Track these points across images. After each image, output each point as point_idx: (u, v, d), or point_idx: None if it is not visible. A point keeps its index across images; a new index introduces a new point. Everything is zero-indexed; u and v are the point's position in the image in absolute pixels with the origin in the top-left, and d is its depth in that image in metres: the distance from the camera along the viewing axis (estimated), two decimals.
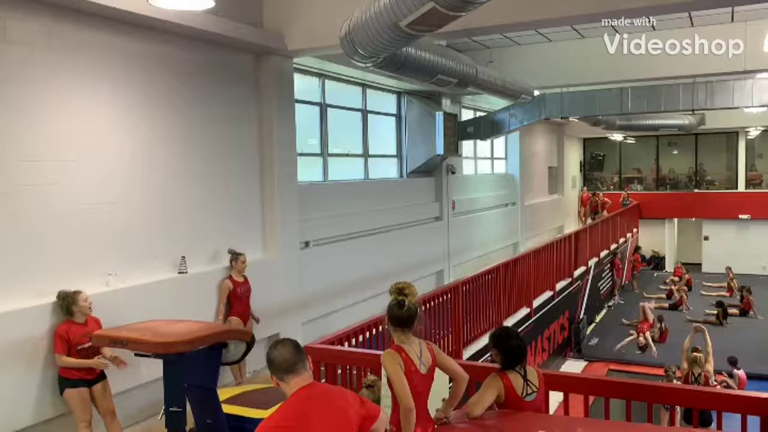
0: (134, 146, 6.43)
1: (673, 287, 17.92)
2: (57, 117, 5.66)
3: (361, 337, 6.31)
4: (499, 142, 16.63)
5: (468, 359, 8.35)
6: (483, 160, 15.87)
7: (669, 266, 22.14)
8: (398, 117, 12.28)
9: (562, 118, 15.45)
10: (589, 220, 20.32)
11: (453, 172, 13.20)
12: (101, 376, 5.47)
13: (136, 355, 5.31)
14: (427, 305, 7.63)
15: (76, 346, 5.31)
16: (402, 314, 3.50)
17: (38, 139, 5.51)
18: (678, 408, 5.95)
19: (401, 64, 7.26)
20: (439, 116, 11.85)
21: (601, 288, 17.01)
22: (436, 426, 3.60)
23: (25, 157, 5.41)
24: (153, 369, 5.45)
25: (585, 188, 23.27)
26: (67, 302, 5.37)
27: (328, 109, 10.06)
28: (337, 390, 2.92)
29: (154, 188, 6.63)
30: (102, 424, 5.48)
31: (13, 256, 5.29)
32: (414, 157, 12.22)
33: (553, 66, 11.58)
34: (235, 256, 7.25)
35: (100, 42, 6.01)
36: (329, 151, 10.09)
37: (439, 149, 11.85)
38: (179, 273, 6.80)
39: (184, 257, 6.86)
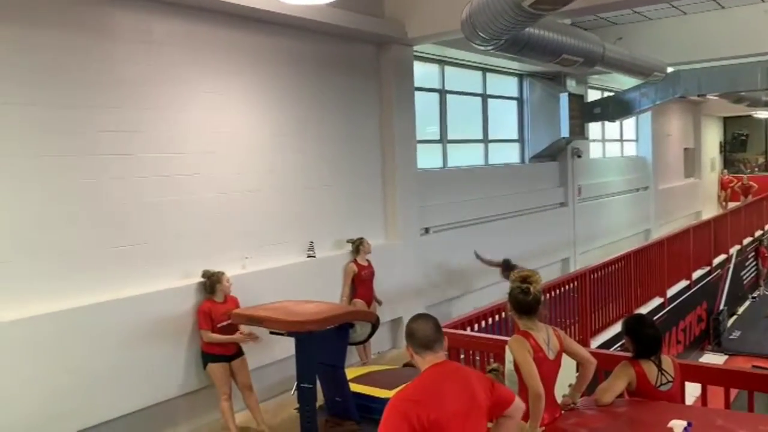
0: (265, 138, 6.79)
1: None
2: (197, 112, 6.09)
3: (483, 323, 6.30)
4: (629, 123, 15.79)
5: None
6: (611, 142, 15.16)
7: None
8: (520, 100, 12.01)
9: (698, 95, 14.38)
10: (732, 205, 18.82)
11: (579, 156, 12.73)
12: (239, 352, 5.85)
13: (270, 332, 5.63)
14: (552, 293, 7.44)
15: (217, 323, 5.71)
16: (528, 301, 3.47)
17: (182, 133, 5.96)
18: None
19: (523, 46, 7.10)
20: (564, 98, 11.45)
21: (744, 278, 15.72)
22: (563, 411, 3.54)
23: (172, 149, 5.87)
24: (286, 346, 5.75)
25: (725, 171, 21.56)
26: (212, 281, 5.79)
27: (448, 95, 10.04)
28: (469, 371, 2.92)
29: (284, 177, 6.97)
30: (240, 397, 5.85)
31: (163, 241, 5.78)
32: (537, 141, 11.91)
33: (689, 40, 10.80)
34: (358, 241, 7.45)
35: (232, 39, 6.39)
36: (449, 138, 10.09)
37: (564, 132, 11.46)
38: (308, 257, 7.12)
39: (312, 242, 7.17)
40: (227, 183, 6.36)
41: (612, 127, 14.86)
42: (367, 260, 7.53)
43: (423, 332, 2.77)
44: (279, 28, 6.80)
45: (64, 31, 5.11)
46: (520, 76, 11.91)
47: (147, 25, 5.70)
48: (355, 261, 7.45)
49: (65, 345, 4.94)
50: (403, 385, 5.14)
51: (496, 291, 8.97)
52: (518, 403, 2.91)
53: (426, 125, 9.60)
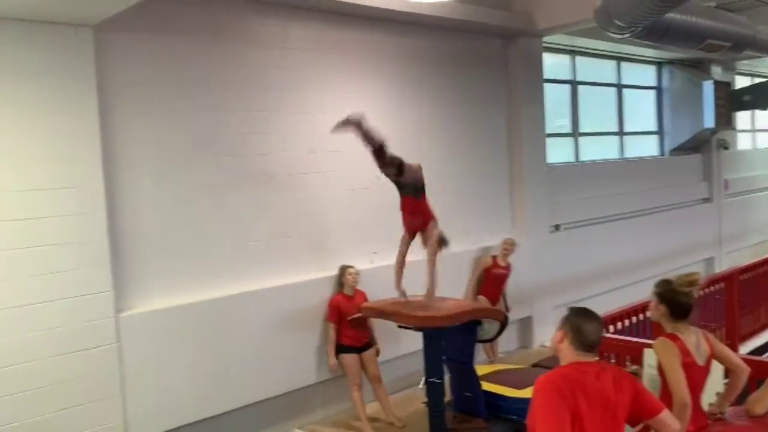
0: (391, 135, 6.88)
1: None
2: (329, 111, 6.30)
3: (619, 324, 6.03)
4: None
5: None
6: (763, 132, 13.89)
7: None
8: (658, 90, 11.31)
9: None
10: None
11: (726, 148, 11.79)
12: (370, 344, 6.00)
13: (398, 326, 5.74)
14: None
15: (347, 316, 5.90)
16: (689, 304, 3.30)
17: (315, 133, 6.19)
18: None
19: (663, 32, 6.67)
20: (708, 86, 10.64)
21: None
22: (709, 421, 3.31)
23: (309, 148, 6.14)
24: (414, 341, 5.82)
25: None
26: (341, 275, 5.99)
27: (579, 86, 9.67)
28: (617, 371, 2.82)
29: None
30: (370, 389, 6.01)
31: (298, 236, 6.06)
32: (677, 133, 11.16)
33: None
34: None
35: (360, 40, 6.56)
36: (581, 131, 9.71)
37: (709, 122, 10.66)
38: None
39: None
40: (358, 180, 6.54)
41: (763, 116, 13.59)
42: (508, 262, 7.42)
43: (591, 334, 2.71)
44: (406, 27, 6.89)
45: (207, 39, 5.49)
46: (659, 64, 11.21)
47: (284, 30, 5.99)
48: (494, 257, 7.38)
49: (209, 332, 5.33)
50: (531, 387, 5.03)
51: (632, 292, 8.55)
52: (665, 418, 2.76)
53: (556, 118, 9.30)
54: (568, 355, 2.73)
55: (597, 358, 2.77)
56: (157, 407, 4.97)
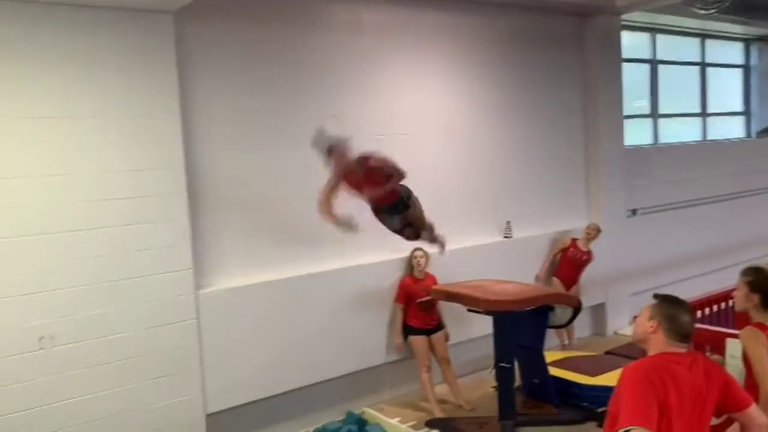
0: (462, 118, 6.83)
1: None
2: (399, 95, 6.31)
3: (699, 313, 5.81)
4: None
5: None
6: None
7: None
8: (746, 68, 10.71)
9: None
10: None
11: None
12: (439, 327, 6.01)
13: (468, 310, 5.72)
14: None
15: (416, 298, 5.92)
16: None
17: (386, 115, 6.21)
18: None
19: (751, 6, 6.31)
20: None
21: None
22: None
23: (376, 132, 6.14)
24: (483, 325, 5.79)
25: None
26: (410, 257, 6.01)
27: (660, 65, 9.27)
28: (708, 362, 2.71)
29: (481, 155, 6.96)
30: (439, 371, 6.02)
31: (373, 218, 6.08)
32: (765, 114, 10.56)
33: None
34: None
35: (427, 21, 6.48)
36: (660, 112, 9.32)
37: None
38: (504, 237, 7.07)
39: (509, 222, 7.11)
40: (424, 162, 6.51)
41: None
42: (590, 248, 7.24)
43: (687, 324, 2.63)
44: (479, 7, 6.77)
45: (280, 24, 5.57)
46: (747, 41, 10.60)
47: (356, 15, 6.01)
48: (574, 240, 7.22)
49: (284, 310, 5.46)
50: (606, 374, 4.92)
51: (711, 280, 8.21)
52: (753, 412, 2.64)
53: (635, 99, 8.96)
54: (660, 344, 2.64)
55: (688, 348, 2.68)
56: (233, 381, 5.16)
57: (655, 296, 2.81)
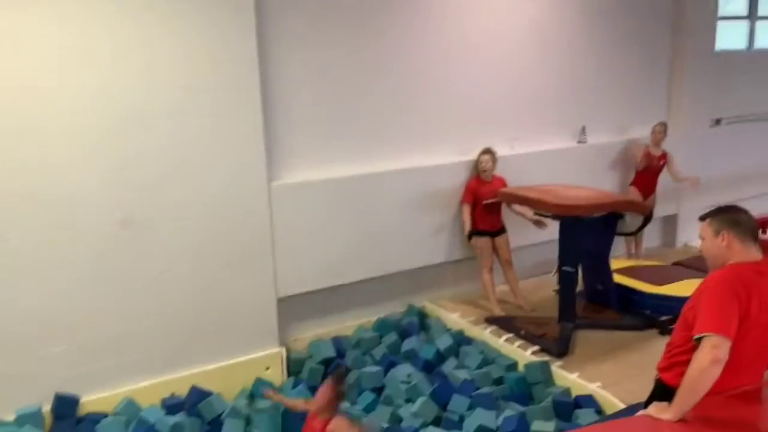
0: (539, 19, 6.50)
1: None
2: None
3: None
4: None
5: None
6: None
7: None
8: None
9: None
10: None
11: None
12: (503, 230, 6.03)
13: (535, 214, 5.70)
14: None
15: (482, 200, 5.92)
16: None
17: (469, 16, 5.99)
18: None
19: None
20: None
21: None
22: None
23: (462, 32, 5.96)
24: (549, 230, 5.78)
25: None
26: (477, 159, 5.97)
27: None
28: None
29: (560, 56, 6.68)
30: (500, 272, 6.10)
31: (445, 119, 6.04)
32: None
33: None
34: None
35: None
36: (759, 14, 8.59)
37: None
38: (578, 142, 6.89)
39: (584, 127, 6.89)
40: (502, 64, 6.31)
41: None
42: (663, 150, 6.97)
43: (750, 220, 2.64)
44: None
45: None
46: None
47: None
48: (647, 146, 6.95)
49: (352, 206, 5.57)
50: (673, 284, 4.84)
51: None
52: None
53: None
54: (737, 253, 2.63)
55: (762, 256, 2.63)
56: (303, 270, 5.38)
57: (703, 217, 2.82)
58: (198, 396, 4.68)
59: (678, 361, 2.71)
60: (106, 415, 4.46)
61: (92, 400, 4.51)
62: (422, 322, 5.87)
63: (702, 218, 2.85)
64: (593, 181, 6.42)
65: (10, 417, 4.21)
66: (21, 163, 4.16)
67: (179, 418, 4.44)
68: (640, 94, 7.37)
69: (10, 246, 4.19)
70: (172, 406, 4.60)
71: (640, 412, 2.70)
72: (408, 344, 5.36)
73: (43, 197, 4.24)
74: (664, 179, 7.11)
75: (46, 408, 4.34)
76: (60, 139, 4.25)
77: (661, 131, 6.89)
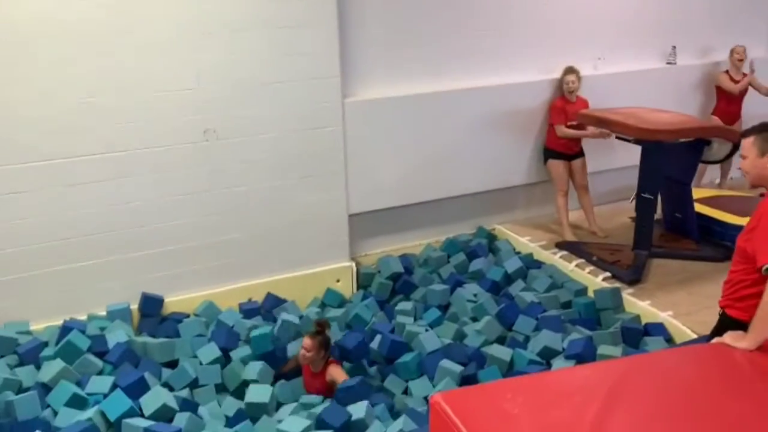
0: None
1: None
2: None
3: None
4: None
5: None
6: None
7: None
8: None
9: None
10: None
11: None
12: (580, 153, 5.85)
13: (616, 137, 5.48)
14: None
15: (566, 122, 5.73)
16: None
17: None
18: None
19: None
20: None
21: None
22: None
23: None
24: (629, 155, 5.56)
25: None
26: (561, 79, 5.74)
27: None
28: None
29: None
30: (575, 197, 5.97)
31: (526, 35, 5.81)
32: None
33: None
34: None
35: None
36: None
37: None
38: (667, 63, 6.51)
39: (674, 47, 6.48)
40: None
41: None
42: (743, 73, 6.52)
43: None
44: None
45: None
46: None
47: None
48: (726, 71, 6.53)
49: (427, 124, 5.51)
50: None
51: None
52: None
53: None
54: None
55: None
56: (374, 187, 5.42)
57: (745, 133, 2.76)
58: (273, 302, 4.91)
59: (743, 294, 2.73)
60: (188, 315, 4.77)
61: (175, 300, 4.81)
62: (491, 244, 5.86)
63: (744, 135, 2.73)
64: (680, 106, 6.08)
65: (102, 312, 4.56)
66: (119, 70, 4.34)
67: (255, 321, 4.68)
68: (738, 14, 6.82)
69: (118, 156, 4.44)
70: (248, 311, 4.85)
71: (715, 340, 2.65)
72: (475, 265, 5.38)
73: (139, 101, 4.42)
74: (752, 107, 6.65)
75: (134, 306, 4.67)
76: (154, 46, 4.38)
77: (739, 52, 6.41)
